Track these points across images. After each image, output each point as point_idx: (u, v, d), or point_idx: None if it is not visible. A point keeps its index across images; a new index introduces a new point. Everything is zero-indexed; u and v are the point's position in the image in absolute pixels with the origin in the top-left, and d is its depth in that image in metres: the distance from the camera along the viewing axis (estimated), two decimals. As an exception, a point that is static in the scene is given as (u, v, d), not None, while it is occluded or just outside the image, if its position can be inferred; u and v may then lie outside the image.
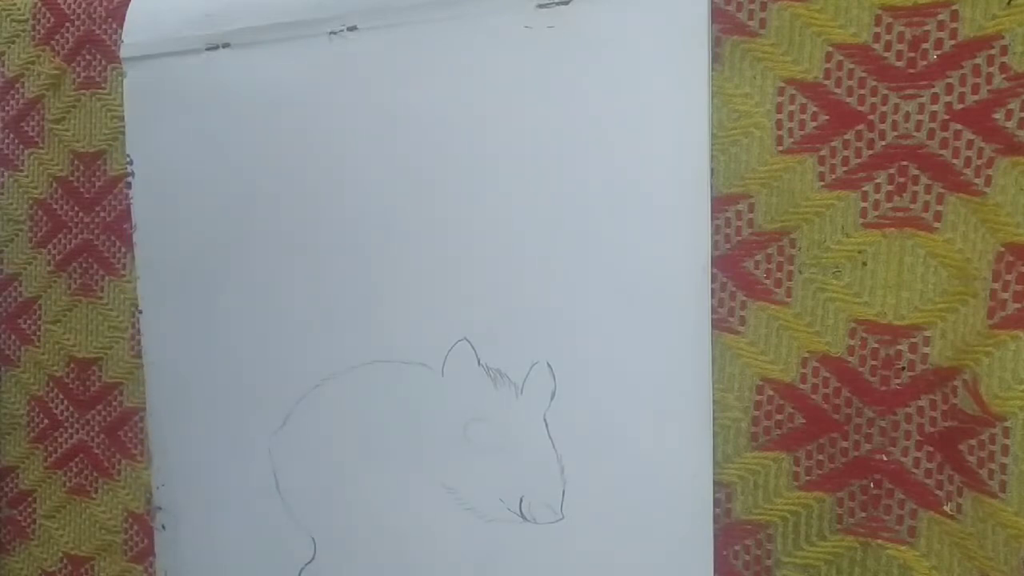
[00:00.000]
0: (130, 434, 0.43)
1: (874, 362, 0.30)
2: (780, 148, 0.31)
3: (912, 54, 0.29)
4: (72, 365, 0.44)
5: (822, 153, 0.30)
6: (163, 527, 0.41)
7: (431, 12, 0.34)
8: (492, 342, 0.34)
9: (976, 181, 0.28)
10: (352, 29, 0.36)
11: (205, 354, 0.40)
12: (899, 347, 0.30)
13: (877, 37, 0.29)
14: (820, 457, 0.31)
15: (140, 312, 0.41)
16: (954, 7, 0.28)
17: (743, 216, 0.31)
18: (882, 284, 0.30)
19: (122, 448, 0.43)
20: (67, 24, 0.43)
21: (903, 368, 0.30)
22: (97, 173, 0.43)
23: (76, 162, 0.43)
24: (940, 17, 0.29)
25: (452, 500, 0.35)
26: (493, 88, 0.34)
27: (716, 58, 0.31)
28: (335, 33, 0.36)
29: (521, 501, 0.34)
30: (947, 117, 0.29)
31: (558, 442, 0.33)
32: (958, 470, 0.29)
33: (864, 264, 0.30)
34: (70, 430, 0.44)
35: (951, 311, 0.29)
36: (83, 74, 0.43)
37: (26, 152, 0.45)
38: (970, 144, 0.28)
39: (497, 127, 0.34)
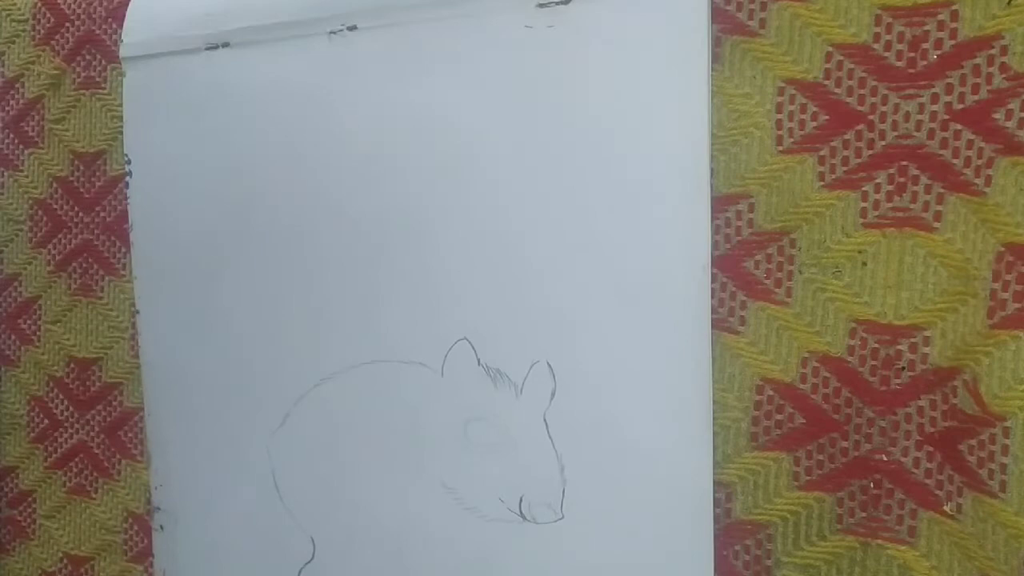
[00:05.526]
0: (130, 434, 0.43)
1: (874, 362, 0.30)
2: (780, 148, 0.31)
3: (912, 54, 0.29)
4: (72, 365, 0.44)
5: (822, 153, 0.30)
6: (161, 527, 0.41)
7: (431, 12, 0.34)
8: (492, 342, 0.34)
9: (976, 181, 0.28)
10: (352, 29, 0.36)
11: (203, 354, 0.40)
12: (899, 347, 0.30)
13: (877, 37, 0.29)
14: (820, 457, 0.31)
15: (137, 312, 0.41)
16: (954, 7, 0.28)
17: (743, 216, 0.31)
18: (882, 284, 0.30)
19: (122, 448, 0.43)
20: (67, 24, 0.43)
21: (903, 368, 0.30)
22: (97, 173, 0.43)
23: (76, 162, 0.43)
24: (940, 17, 0.29)
25: (452, 500, 0.35)
26: (493, 88, 0.34)
27: (716, 58, 0.31)
28: (335, 33, 0.36)
29: (521, 501, 0.34)
30: (947, 117, 0.29)
31: (558, 442, 0.33)
32: (958, 470, 0.29)
33: (864, 264, 0.30)
34: (70, 430, 0.44)
35: (951, 311, 0.29)
36: (83, 74, 0.43)
37: (26, 152, 0.45)
38: (970, 144, 0.28)
39: (497, 127, 0.34)
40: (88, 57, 0.43)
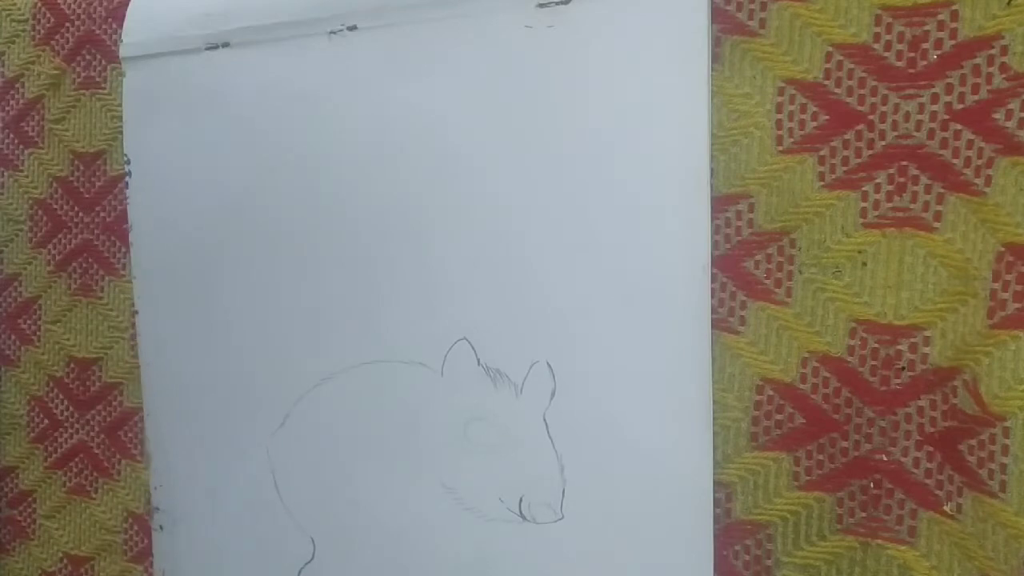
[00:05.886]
0: (130, 434, 0.43)
1: (874, 362, 0.30)
2: (780, 148, 0.31)
3: (912, 54, 0.29)
4: (72, 365, 0.44)
5: (822, 153, 0.30)
6: (161, 528, 0.41)
7: (431, 12, 0.34)
8: (492, 342, 0.34)
9: (976, 181, 0.28)
10: (352, 29, 0.36)
11: (203, 354, 0.40)
12: (899, 347, 0.30)
13: (877, 37, 0.29)
14: (820, 457, 0.31)
15: (136, 312, 0.41)
16: (954, 7, 0.28)
17: (743, 216, 0.31)
18: (882, 284, 0.30)
19: (122, 448, 0.43)
20: (67, 24, 0.43)
21: (903, 368, 0.30)
22: (97, 173, 0.43)
23: (76, 162, 0.43)
24: (940, 17, 0.29)
25: (451, 500, 0.35)
26: (493, 88, 0.34)
27: (716, 58, 0.31)
28: (335, 33, 0.36)
29: (521, 501, 0.34)
30: (947, 117, 0.29)
31: (558, 442, 0.33)
32: (958, 470, 0.29)
33: (864, 264, 0.30)
34: (70, 430, 0.44)
35: (951, 311, 0.29)
36: (83, 74, 0.43)
37: (26, 152, 0.45)
38: (970, 144, 0.28)
39: (497, 127, 0.34)
40: (88, 57, 0.43)
